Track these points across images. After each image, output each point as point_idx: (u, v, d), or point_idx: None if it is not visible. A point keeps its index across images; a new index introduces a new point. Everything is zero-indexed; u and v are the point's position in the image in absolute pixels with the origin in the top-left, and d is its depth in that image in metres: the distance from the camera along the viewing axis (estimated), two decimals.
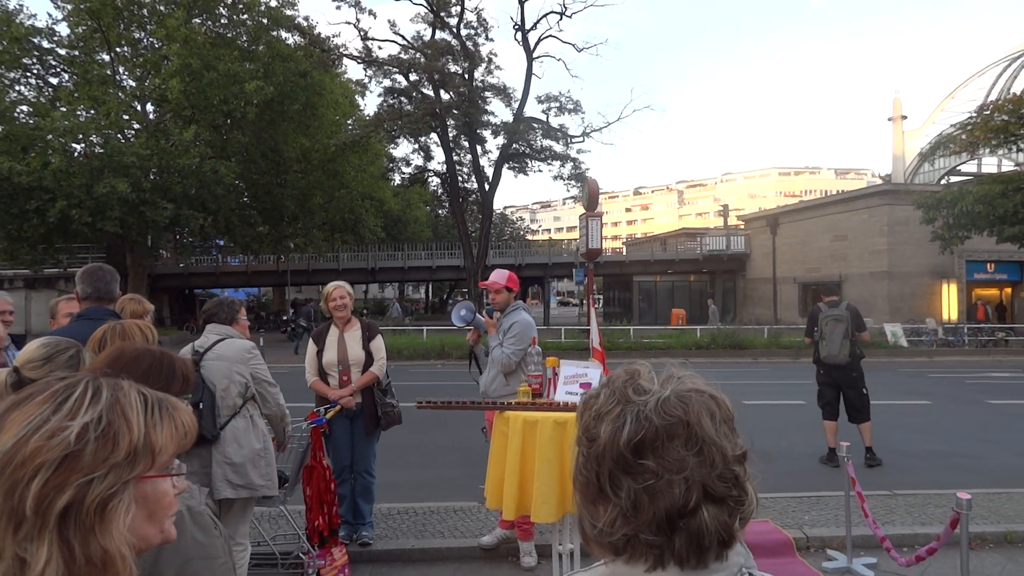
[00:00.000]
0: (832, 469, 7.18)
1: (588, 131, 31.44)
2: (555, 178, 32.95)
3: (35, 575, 0.81)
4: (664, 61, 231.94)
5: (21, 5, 25.01)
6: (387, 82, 31.29)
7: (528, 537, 4.64)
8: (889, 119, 33.01)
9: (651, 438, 0.86)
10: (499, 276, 5.05)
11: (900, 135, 32.69)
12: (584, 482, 0.90)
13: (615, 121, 35.30)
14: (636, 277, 39.53)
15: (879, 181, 45.16)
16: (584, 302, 29.46)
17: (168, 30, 23.68)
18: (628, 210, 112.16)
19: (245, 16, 28.01)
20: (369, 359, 4.80)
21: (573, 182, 32.21)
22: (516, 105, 30.83)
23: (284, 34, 29.00)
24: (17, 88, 26.34)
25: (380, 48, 31.26)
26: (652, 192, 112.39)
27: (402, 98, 31.09)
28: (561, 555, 3.94)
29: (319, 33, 29.34)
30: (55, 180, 21.85)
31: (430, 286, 55.99)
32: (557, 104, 31.08)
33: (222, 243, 35.23)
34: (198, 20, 27.08)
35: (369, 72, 31.41)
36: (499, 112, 45.49)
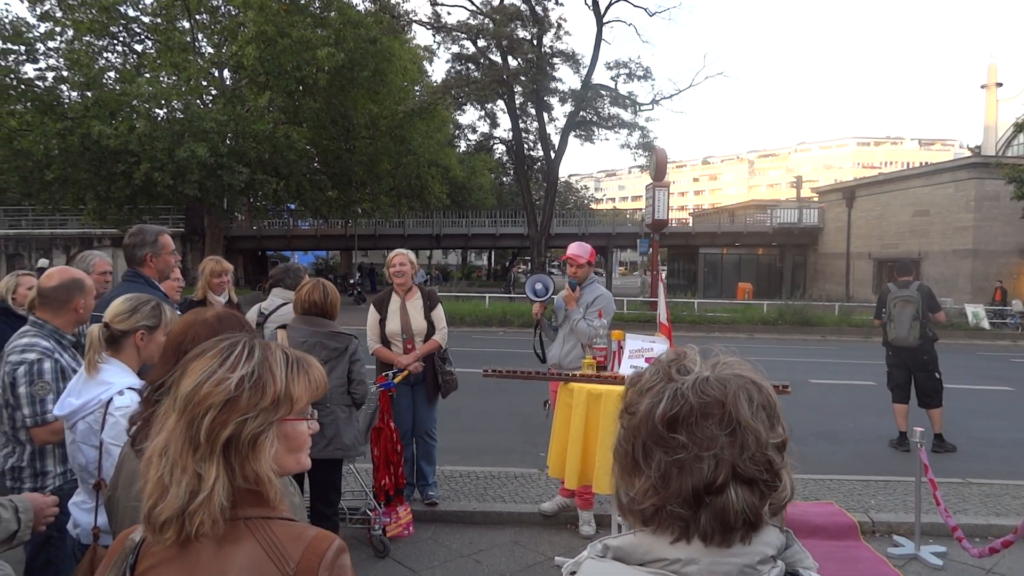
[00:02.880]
0: (902, 453, 6.97)
1: (658, 99, 30.66)
2: (622, 147, 32.34)
3: (207, 486, 1.07)
4: (739, 25, 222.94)
5: None
6: (455, 48, 31.22)
7: (588, 507, 4.70)
8: (982, 86, 31.01)
9: (685, 414, 0.89)
10: (582, 250, 5.05)
11: (993, 103, 30.67)
12: (622, 453, 0.95)
13: (686, 88, 34.46)
14: (702, 249, 38.65)
15: (967, 153, 42.52)
16: (648, 273, 29.02)
17: None
18: (696, 180, 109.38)
19: None
20: (431, 328, 4.90)
21: (640, 151, 31.57)
22: (584, 72, 30.30)
23: (355, 0, 29.21)
24: (105, 55, 27.48)
25: (449, 14, 31.32)
26: (721, 162, 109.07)
27: (469, 64, 30.97)
28: (620, 526, 3.98)
29: None
30: (140, 144, 22.83)
31: (493, 253, 56.28)
32: (627, 71, 30.36)
33: (293, 207, 36.22)
34: None
35: (437, 38, 31.38)
36: (567, 79, 44.96)
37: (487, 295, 24.88)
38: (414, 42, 35.75)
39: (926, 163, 37.85)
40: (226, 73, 28.08)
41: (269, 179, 25.99)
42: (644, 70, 30.43)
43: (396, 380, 4.76)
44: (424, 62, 36.64)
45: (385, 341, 4.94)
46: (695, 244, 38.89)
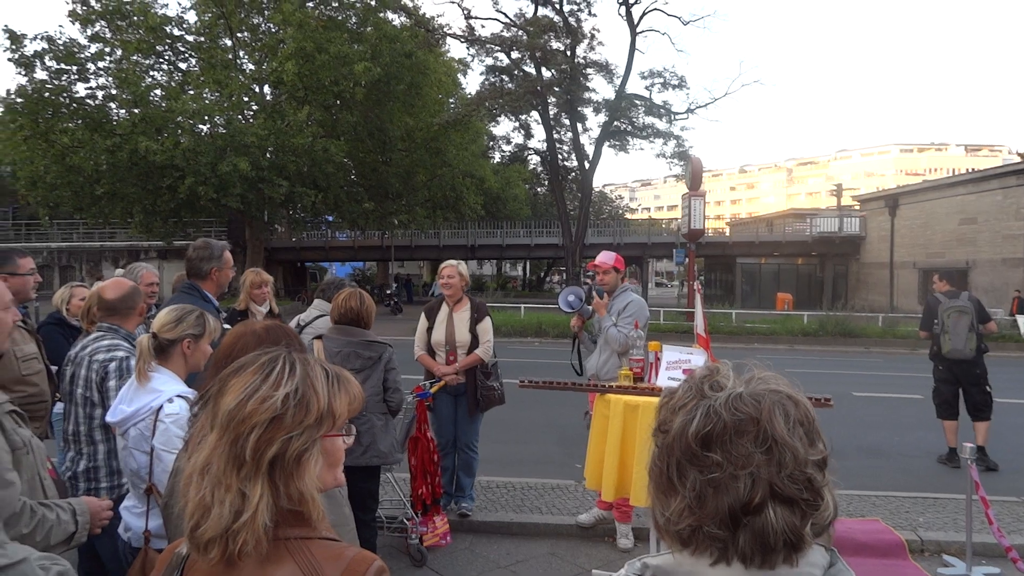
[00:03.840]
0: (951, 470, 6.75)
1: (693, 107, 30.54)
2: (657, 156, 32.24)
3: (252, 506, 1.06)
4: (775, 31, 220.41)
5: None
6: (489, 60, 31.51)
7: (626, 519, 4.66)
8: None
9: (719, 432, 0.87)
10: (607, 257, 5.05)
11: None
12: (656, 472, 0.93)
13: (721, 97, 34.25)
14: (739, 259, 38.14)
15: (1016, 158, 41.25)
16: (684, 284, 28.74)
17: (284, 15, 24.81)
18: (732, 188, 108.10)
19: None
20: (476, 341, 4.92)
21: (676, 160, 31.39)
22: (618, 82, 30.31)
23: (391, 15, 29.69)
24: (152, 74, 28.37)
25: (483, 26, 31.59)
26: (759, 170, 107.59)
27: (503, 76, 31.21)
28: (659, 540, 3.94)
29: (423, 13, 29.88)
30: (185, 159, 23.50)
31: (528, 264, 56.35)
32: (661, 80, 30.30)
33: (331, 219, 36.80)
34: (311, 4, 28.18)
35: (472, 51, 31.73)
36: (601, 89, 44.90)
37: (522, 305, 24.90)
38: (448, 55, 36.20)
39: (972, 169, 36.77)
40: (266, 88, 28.76)
41: (308, 192, 26.52)
42: (679, 79, 30.36)
43: (432, 390, 4.80)
44: (458, 74, 37.02)
45: (431, 351, 4.98)
46: (732, 254, 38.41)
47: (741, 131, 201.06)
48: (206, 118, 25.47)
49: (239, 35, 28.08)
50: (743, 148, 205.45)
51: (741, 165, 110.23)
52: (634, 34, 29.50)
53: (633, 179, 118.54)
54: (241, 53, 28.64)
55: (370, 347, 3.93)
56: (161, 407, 2.41)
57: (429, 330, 4.99)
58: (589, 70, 30.36)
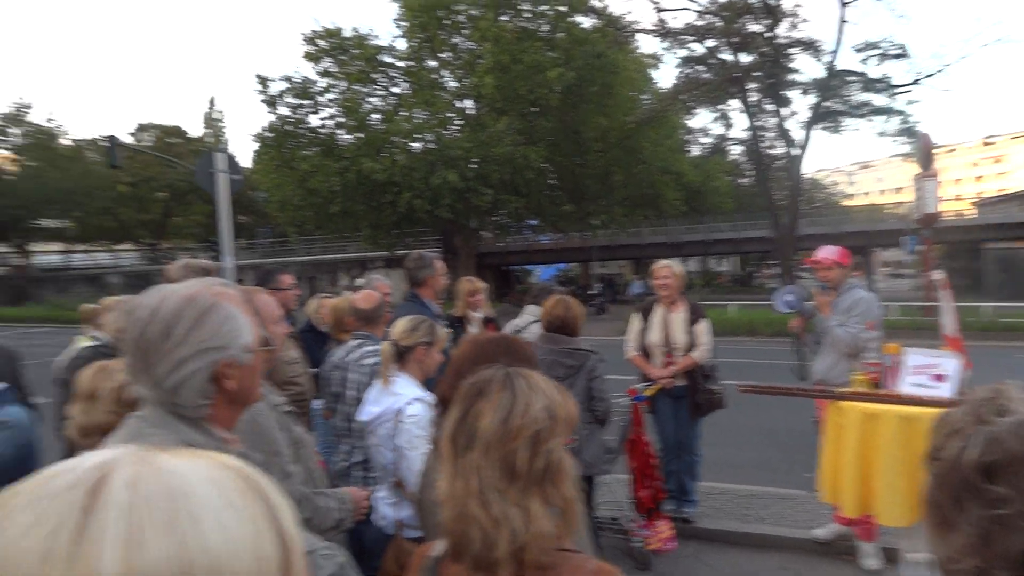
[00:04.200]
0: None
1: (918, 78, 27.07)
2: (879, 135, 29.10)
3: (536, 518, 1.12)
4: None
5: (370, 29, 29.73)
6: (682, 52, 30.49)
7: (870, 537, 4.22)
8: None
9: (1004, 463, 0.75)
10: (828, 251, 4.64)
11: None
12: (931, 504, 0.83)
13: (955, 62, 29.95)
14: (988, 244, 33.18)
15: None
16: (921, 275, 25.54)
17: (481, 31, 26.18)
18: (975, 164, 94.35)
19: (545, 6, 29.59)
20: (693, 343, 4.77)
21: (901, 138, 28.09)
22: (827, 59, 27.78)
23: (580, 18, 29.95)
24: (370, 100, 31.38)
25: (674, 18, 30.64)
26: (1009, 140, 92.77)
27: (698, 66, 30.01)
28: (914, 564, 3.52)
29: (612, 13, 29.73)
30: (401, 175, 25.78)
31: (735, 259, 53.78)
32: (878, 52, 27.24)
33: (534, 223, 38.00)
34: (505, 18, 29.34)
35: (664, 44, 30.93)
36: (807, 69, 41.53)
37: (730, 303, 23.80)
38: (638, 51, 35.67)
39: None
40: (468, 103, 30.45)
41: (511, 198, 27.72)
42: (899, 48, 27.09)
43: (647, 393, 4.72)
44: (649, 70, 36.32)
45: (646, 352, 4.92)
46: (977, 238, 33.52)
47: (982, 98, 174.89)
48: (417, 136, 27.64)
49: (441, 55, 30.06)
50: (986, 117, 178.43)
51: (984, 137, 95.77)
52: (843, 4, 26.89)
53: (851, 162, 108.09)
54: (444, 72, 30.64)
55: (572, 355, 3.86)
56: (402, 409, 2.63)
57: (643, 331, 4.92)
58: (793, 50, 28.15)
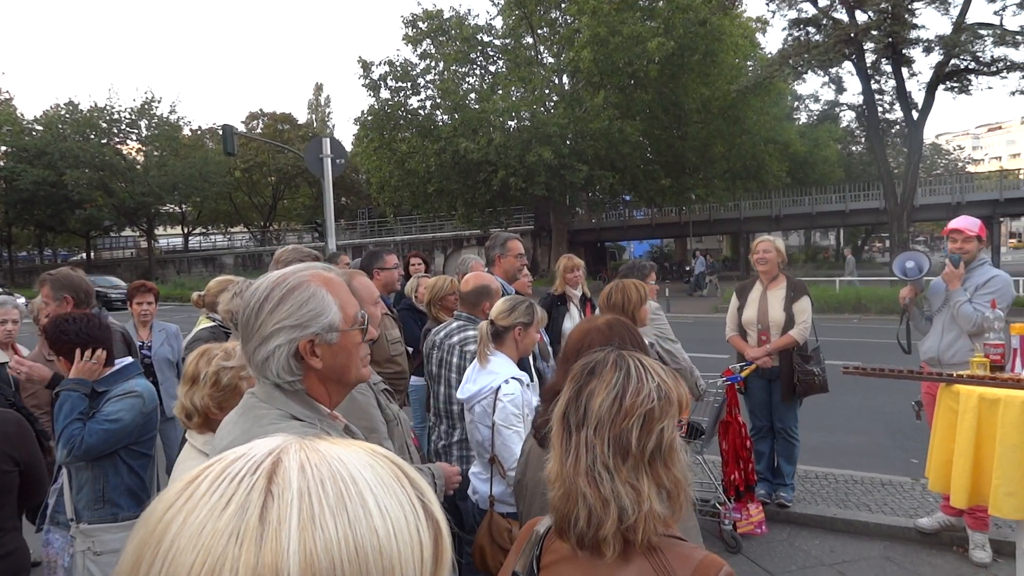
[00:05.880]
0: None
1: None
2: (1012, 94, 26.54)
3: (645, 498, 1.13)
4: None
5: (468, 10, 29.99)
6: (791, 13, 28.82)
7: (982, 528, 4.00)
8: None
9: None
10: (969, 222, 4.33)
11: None
12: None
13: None
14: None
15: None
16: None
17: (579, 4, 25.79)
18: None
19: None
20: (791, 321, 4.62)
21: None
22: (956, 12, 25.50)
23: None
24: (467, 80, 31.72)
25: None
26: None
27: (809, 28, 28.31)
28: None
29: None
30: (496, 154, 26.02)
31: (841, 232, 50.87)
32: (1016, 0, 24.75)
33: (628, 198, 37.41)
34: None
35: (771, 6, 29.36)
36: (932, 24, 38.18)
37: (837, 279, 22.65)
38: (744, 15, 34.06)
39: None
40: (564, 79, 30.19)
41: (605, 174, 27.42)
42: None
43: (743, 374, 4.63)
44: (757, 35, 34.64)
45: (743, 331, 4.82)
46: None
47: None
48: (513, 114, 27.73)
49: (539, 32, 29.91)
50: None
51: None
52: None
53: (977, 124, 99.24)
54: (541, 49, 30.49)
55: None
56: (499, 387, 2.72)
57: (740, 309, 4.81)
58: (916, 5, 26.02)
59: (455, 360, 3.19)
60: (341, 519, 0.47)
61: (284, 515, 0.46)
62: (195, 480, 0.49)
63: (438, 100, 29.71)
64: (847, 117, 35.77)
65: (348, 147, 31.00)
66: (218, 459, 0.52)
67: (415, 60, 29.86)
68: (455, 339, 3.24)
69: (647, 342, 3.94)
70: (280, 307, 1.29)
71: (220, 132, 16.67)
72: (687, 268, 31.61)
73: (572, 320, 4.79)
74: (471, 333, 3.18)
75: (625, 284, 3.42)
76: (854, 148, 45.09)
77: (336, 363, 1.36)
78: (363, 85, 29.14)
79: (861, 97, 29.09)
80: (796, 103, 35.97)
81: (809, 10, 27.95)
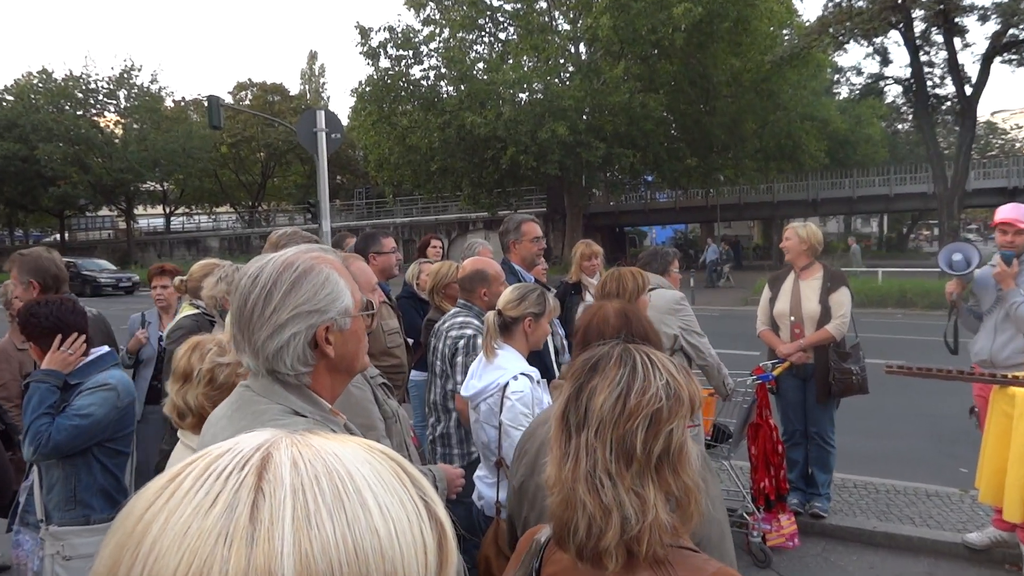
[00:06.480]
0: None
1: None
2: None
3: (650, 505, 1.10)
4: None
5: None
6: None
7: None
8: None
9: None
10: (1017, 211, 4.27)
11: None
12: None
13: None
14: None
15: None
16: None
17: None
18: None
19: None
20: (827, 314, 4.58)
21: None
22: None
23: None
24: (475, 48, 31.57)
25: None
26: None
27: None
28: None
29: None
30: (506, 129, 25.90)
31: (885, 218, 50.51)
32: None
33: (650, 179, 37.23)
34: None
35: None
36: None
37: (880, 269, 22.49)
38: None
39: None
40: (581, 48, 29.99)
41: (626, 152, 27.23)
42: None
43: (775, 372, 4.60)
44: (793, 0, 34.29)
45: (775, 324, 4.79)
46: None
47: None
48: (525, 86, 27.58)
49: None
50: None
51: None
52: None
53: None
54: (556, 14, 30.27)
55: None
56: (507, 384, 2.70)
57: (772, 301, 4.78)
58: None
59: (440, 348, 3.25)
60: (339, 518, 0.46)
61: (276, 514, 0.45)
62: (177, 477, 0.49)
63: (443, 70, 29.59)
64: (893, 92, 35.20)
65: (344, 120, 30.95)
66: (202, 454, 0.51)
67: (418, 26, 29.73)
68: (445, 326, 3.27)
69: (671, 333, 3.94)
70: (294, 292, 1.28)
71: (205, 103, 16.70)
72: (701, 257, 31.45)
73: None
74: (460, 320, 3.20)
75: (621, 272, 3.38)
76: (900, 126, 44.68)
77: (347, 350, 1.37)
78: (361, 53, 29.06)
79: (908, 70, 28.75)
80: (836, 76, 35.50)
81: None
